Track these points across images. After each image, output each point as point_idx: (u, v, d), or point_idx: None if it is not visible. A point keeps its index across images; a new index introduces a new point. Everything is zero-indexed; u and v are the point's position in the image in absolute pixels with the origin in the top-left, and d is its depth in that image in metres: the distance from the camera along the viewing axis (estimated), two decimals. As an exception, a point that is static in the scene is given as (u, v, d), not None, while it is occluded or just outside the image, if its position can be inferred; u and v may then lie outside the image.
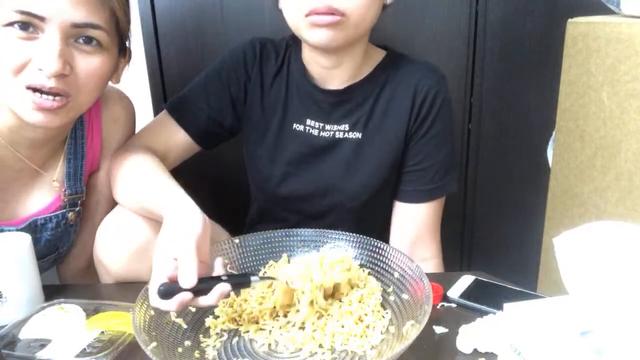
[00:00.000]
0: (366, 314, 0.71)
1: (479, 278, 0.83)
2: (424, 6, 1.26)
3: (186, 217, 0.69)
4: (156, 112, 1.32)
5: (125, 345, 0.68)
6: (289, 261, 0.82)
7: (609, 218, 0.89)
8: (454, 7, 1.26)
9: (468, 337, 0.67)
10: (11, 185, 0.87)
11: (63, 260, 1.01)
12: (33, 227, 0.88)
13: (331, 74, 0.92)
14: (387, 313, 0.72)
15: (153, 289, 0.64)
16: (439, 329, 0.71)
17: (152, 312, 0.67)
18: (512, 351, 0.56)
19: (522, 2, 1.26)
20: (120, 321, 0.72)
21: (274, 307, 0.74)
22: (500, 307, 0.66)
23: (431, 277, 0.71)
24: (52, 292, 0.82)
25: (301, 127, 0.95)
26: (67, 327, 0.71)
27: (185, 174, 0.92)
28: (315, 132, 0.94)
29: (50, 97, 0.74)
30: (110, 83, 0.88)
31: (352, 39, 0.84)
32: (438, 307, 0.77)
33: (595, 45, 0.89)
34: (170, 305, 0.63)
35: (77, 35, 0.75)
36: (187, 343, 0.67)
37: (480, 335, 0.66)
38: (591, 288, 0.52)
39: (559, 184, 1.03)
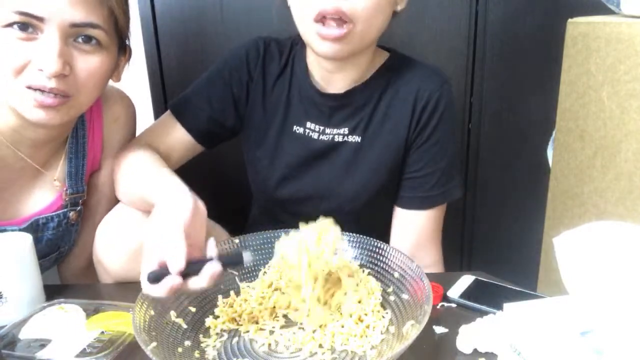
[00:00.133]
0: (366, 314, 0.71)
1: (479, 278, 0.83)
2: (424, 6, 1.26)
3: (175, 202, 0.68)
4: (156, 112, 1.32)
5: (125, 345, 0.68)
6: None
7: (609, 218, 0.89)
8: (454, 7, 1.26)
9: (468, 337, 0.67)
10: (13, 185, 0.87)
11: (64, 260, 1.01)
12: (35, 227, 0.89)
13: (334, 77, 0.91)
14: (387, 313, 0.72)
15: (143, 275, 0.62)
16: (439, 329, 0.71)
17: (152, 312, 0.67)
18: (512, 351, 0.56)
19: (522, 2, 1.26)
20: (120, 321, 0.72)
21: (274, 307, 0.74)
22: (500, 307, 0.66)
23: (431, 277, 0.71)
24: (52, 292, 0.82)
25: (301, 130, 0.94)
26: (67, 327, 0.71)
27: (186, 173, 0.92)
28: (315, 136, 0.93)
29: (52, 94, 0.74)
30: (111, 82, 0.88)
31: (358, 49, 0.83)
32: (438, 307, 0.77)
33: (595, 45, 0.89)
34: (160, 290, 0.61)
35: (76, 35, 0.75)
36: (187, 343, 0.67)
37: (480, 335, 0.66)
38: (591, 288, 0.52)
39: (559, 184, 1.03)
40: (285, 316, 0.73)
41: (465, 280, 0.82)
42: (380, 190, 0.94)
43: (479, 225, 1.45)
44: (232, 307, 0.75)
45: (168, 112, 0.97)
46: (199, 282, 0.63)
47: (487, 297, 0.77)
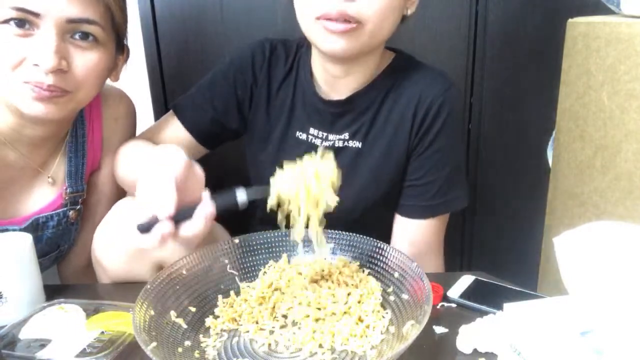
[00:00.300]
0: (366, 314, 0.71)
1: (479, 278, 0.83)
2: (424, 6, 1.25)
3: (168, 157, 0.65)
4: (156, 112, 1.32)
5: (125, 345, 0.68)
6: (289, 261, 0.82)
7: (609, 218, 0.89)
8: (454, 7, 1.26)
9: (468, 337, 0.67)
10: (13, 184, 0.87)
11: (64, 259, 1.01)
12: (35, 226, 0.89)
13: (339, 82, 0.88)
14: (387, 313, 0.72)
15: (133, 227, 0.59)
16: (439, 329, 0.71)
17: (152, 312, 0.67)
18: (512, 351, 0.56)
19: (522, 2, 1.26)
20: (120, 321, 0.72)
21: (274, 307, 0.74)
22: (500, 307, 0.66)
23: (431, 277, 0.71)
24: (52, 292, 0.82)
25: (304, 136, 0.93)
26: (67, 327, 0.71)
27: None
28: (318, 142, 0.92)
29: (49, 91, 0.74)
30: (109, 82, 0.88)
31: (366, 49, 0.80)
32: (438, 307, 0.77)
33: (595, 45, 0.89)
34: (151, 239, 0.58)
35: (72, 31, 0.75)
36: (187, 343, 0.67)
37: (480, 335, 0.66)
38: (591, 288, 0.52)
39: (559, 184, 1.03)
40: (285, 316, 0.73)
41: (465, 280, 0.82)
42: (381, 197, 0.92)
43: (479, 225, 1.45)
44: (232, 307, 0.75)
45: (170, 111, 0.97)
46: (192, 227, 0.60)
47: (487, 297, 0.77)
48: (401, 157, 0.90)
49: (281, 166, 0.93)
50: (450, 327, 0.71)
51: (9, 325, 0.72)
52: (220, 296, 0.76)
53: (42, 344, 0.68)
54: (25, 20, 0.73)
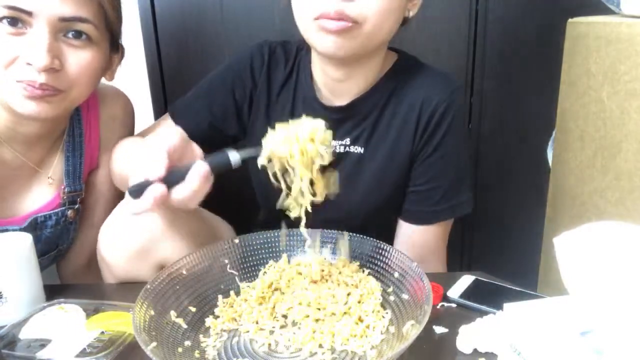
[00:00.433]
0: (366, 314, 0.71)
1: (479, 278, 0.83)
2: (424, 6, 1.25)
3: (163, 134, 0.65)
4: (156, 112, 1.32)
5: (125, 345, 0.68)
6: (289, 261, 0.82)
7: (609, 218, 0.89)
8: (454, 7, 1.26)
9: (468, 337, 0.67)
10: (10, 184, 0.87)
11: (63, 258, 1.01)
12: (33, 225, 0.89)
13: (340, 87, 0.87)
14: (387, 313, 0.72)
15: (126, 195, 0.59)
16: (439, 329, 0.71)
17: (152, 312, 0.67)
18: (512, 351, 0.56)
19: (522, 2, 1.26)
20: (120, 321, 0.72)
21: (274, 307, 0.74)
22: (500, 307, 0.66)
23: (431, 277, 0.71)
24: (52, 292, 0.82)
25: None
26: (67, 327, 0.71)
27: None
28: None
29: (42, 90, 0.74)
30: (105, 81, 0.88)
31: (364, 50, 0.78)
32: (438, 307, 0.77)
33: (595, 45, 0.89)
34: (145, 202, 0.57)
35: (65, 30, 0.75)
36: (187, 343, 0.67)
37: (480, 335, 0.66)
38: (591, 288, 0.52)
39: (559, 184, 1.03)
40: (285, 316, 0.73)
41: (465, 280, 0.82)
42: (384, 202, 0.90)
43: (479, 225, 1.45)
44: (232, 307, 0.75)
45: (167, 114, 0.96)
46: (186, 187, 0.59)
47: (487, 297, 0.77)
48: (405, 161, 0.88)
49: None
50: (450, 327, 0.71)
51: (9, 325, 0.72)
52: (220, 296, 0.76)
53: (42, 344, 0.68)
54: (17, 19, 0.73)
